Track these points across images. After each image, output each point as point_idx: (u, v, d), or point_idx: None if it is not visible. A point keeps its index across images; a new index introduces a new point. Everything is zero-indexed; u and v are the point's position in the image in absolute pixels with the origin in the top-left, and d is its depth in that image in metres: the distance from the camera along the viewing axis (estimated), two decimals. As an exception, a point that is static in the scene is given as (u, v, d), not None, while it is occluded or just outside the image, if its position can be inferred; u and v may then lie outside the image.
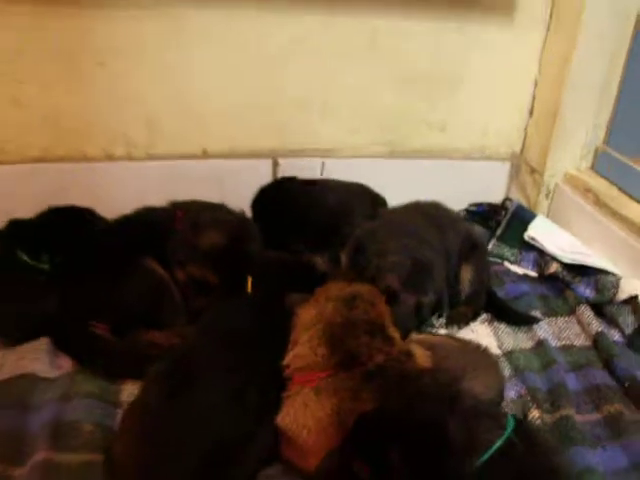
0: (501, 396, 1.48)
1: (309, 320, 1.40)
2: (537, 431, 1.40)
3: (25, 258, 1.68)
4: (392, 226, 1.79)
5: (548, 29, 2.30)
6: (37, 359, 1.54)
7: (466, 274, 1.79)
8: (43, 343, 1.59)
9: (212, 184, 2.15)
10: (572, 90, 2.24)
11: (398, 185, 2.12)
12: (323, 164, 2.32)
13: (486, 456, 1.12)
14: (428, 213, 1.87)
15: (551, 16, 2.28)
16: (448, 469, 1.11)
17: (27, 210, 1.84)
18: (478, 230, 2.18)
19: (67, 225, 1.76)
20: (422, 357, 1.39)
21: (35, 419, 1.39)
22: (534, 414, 1.54)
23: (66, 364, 1.55)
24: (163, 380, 1.28)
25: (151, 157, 2.21)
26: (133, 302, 1.59)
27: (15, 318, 1.62)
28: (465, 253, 1.80)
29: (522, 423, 1.28)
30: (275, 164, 2.29)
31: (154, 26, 2.05)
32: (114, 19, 2.00)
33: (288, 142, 2.30)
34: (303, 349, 1.36)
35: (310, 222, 1.98)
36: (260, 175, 2.22)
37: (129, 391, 1.47)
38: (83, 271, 1.65)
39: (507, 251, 2.17)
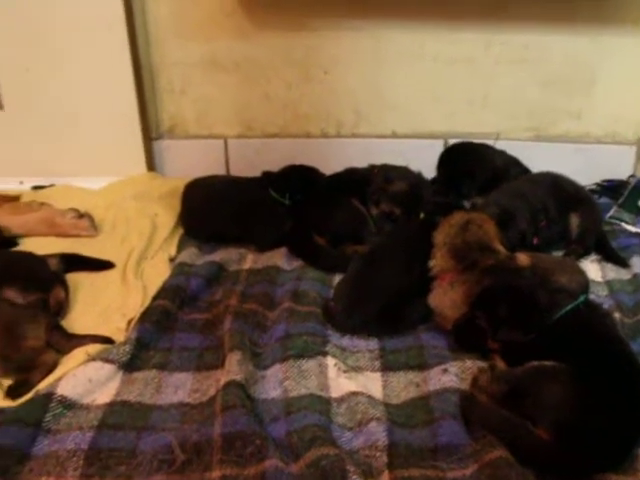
0: (584, 291, 1.95)
1: (441, 240, 1.99)
2: (607, 314, 1.88)
3: (274, 195, 2.45)
4: (515, 185, 2.45)
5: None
6: (280, 259, 2.31)
7: (574, 220, 2.37)
8: (282, 250, 2.36)
9: (398, 158, 2.62)
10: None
11: (542, 163, 2.62)
12: (497, 137, 2.86)
13: (560, 314, 1.72)
14: (544, 181, 2.45)
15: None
16: (535, 319, 1.71)
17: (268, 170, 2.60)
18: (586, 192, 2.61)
19: (301, 175, 2.51)
20: (523, 260, 1.94)
21: (281, 289, 2.14)
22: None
23: (297, 263, 2.30)
24: (361, 259, 2.08)
25: (355, 135, 2.92)
26: (343, 225, 2.35)
27: (266, 233, 2.41)
28: (572, 205, 2.39)
29: (594, 303, 1.89)
30: (446, 144, 2.87)
31: (364, 43, 2.75)
32: (336, 38, 2.74)
33: (457, 127, 2.89)
34: (439, 261, 1.97)
35: (480, 174, 2.58)
36: (434, 152, 2.74)
37: (337, 280, 2.18)
38: (311, 205, 2.42)
39: (626, 215, 2.65)
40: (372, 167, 2.53)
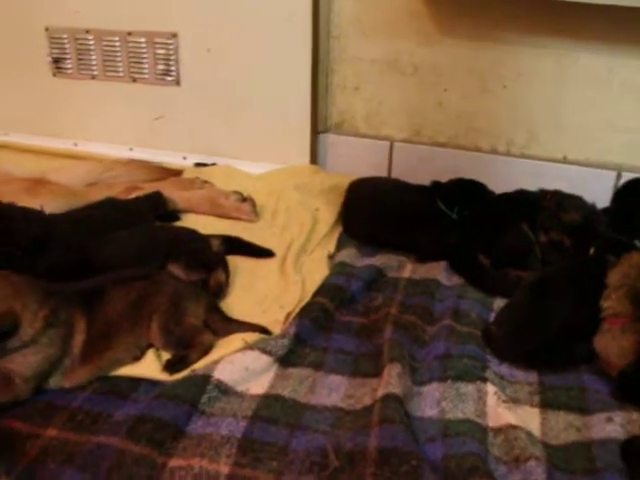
0: None
1: (618, 281, 1.89)
2: None
3: (442, 207, 2.40)
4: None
5: None
6: (440, 272, 2.25)
7: None
8: (442, 263, 2.30)
9: (565, 184, 2.50)
10: None
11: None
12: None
13: None
14: None
15: None
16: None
17: (430, 178, 2.55)
18: None
19: (471, 190, 2.45)
20: None
21: (441, 305, 2.08)
22: None
23: (457, 279, 2.24)
24: (529, 288, 2.00)
25: (524, 156, 2.80)
26: (510, 249, 2.27)
27: (429, 244, 2.36)
28: None
29: None
30: (619, 177, 2.72)
31: (547, 61, 2.64)
32: (519, 53, 2.64)
33: (634, 159, 2.70)
34: (613, 303, 1.87)
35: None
36: (605, 183, 2.68)
37: (498, 303, 2.11)
38: (479, 222, 2.35)
39: None
40: (544, 192, 2.44)
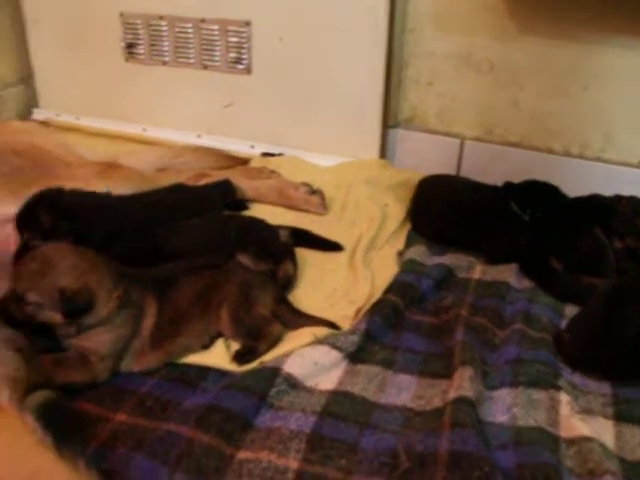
0: None
1: None
2: None
3: (515, 208, 2.35)
4: None
5: None
6: (510, 275, 2.20)
7: None
8: (513, 266, 2.24)
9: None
10: None
11: None
12: None
13: None
14: None
15: None
16: None
17: (500, 178, 2.51)
18: None
19: (546, 192, 2.40)
20: None
21: (511, 308, 2.03)
22: None
23: (527, 283, 2.17)
24: (605, 296, 1.94)
25: (599, 160, 2.71)
26: (583, 254, 2.20)
27: (499, 246, 2.30)
28: None
29: None
30: None
31: (631, 63, 2.53)
32: (602, 54, 2.55)
33: None
34: None
35: None
36: None
37: (569, 310, 2.06)
38: (552, 226, 2.29)
39: None
40: (619, 197, 2.37)
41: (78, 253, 1.69)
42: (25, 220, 1.96)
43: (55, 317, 1.63)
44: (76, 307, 1.61)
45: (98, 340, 1.65)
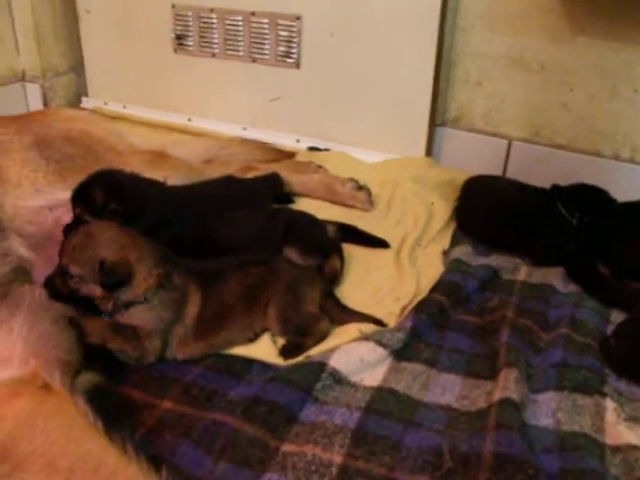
0: None
1: None
2: None
3: (562, 211, 2.31)
4: None
5: None
6: (556, 278, 2.19)
7: None
8: (558, 269, 2.23)
9: None
10: None
11: None
12: None
13: None
14: None
15: None
16: None
17: (546, 181, 2.45)
18: None
19: (594, 196, 2.34)
20: None
21: (556, 311, 2.01)
22: None
23: (573, 287, 2.15)
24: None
25: None
26: (632, 259, 2.16)
27: (546, 248, 2.29)
28: None
29: None
30: None
31: None
32: None
33: None
34: None
35: None
36: None
37: (615, 315, 2.03)
38: (600, 230, 2.24)
39: None
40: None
41: (121, 229, 1.72)
42: (79, 196, 2.00)
43: (95, 290, 1.67)
44: (114, 279, 1.64)
45: (141, 317, 1.68)
